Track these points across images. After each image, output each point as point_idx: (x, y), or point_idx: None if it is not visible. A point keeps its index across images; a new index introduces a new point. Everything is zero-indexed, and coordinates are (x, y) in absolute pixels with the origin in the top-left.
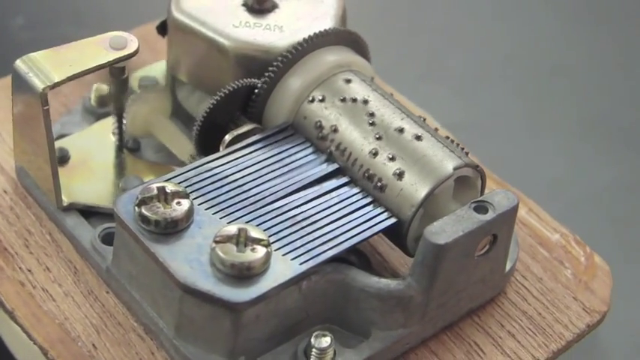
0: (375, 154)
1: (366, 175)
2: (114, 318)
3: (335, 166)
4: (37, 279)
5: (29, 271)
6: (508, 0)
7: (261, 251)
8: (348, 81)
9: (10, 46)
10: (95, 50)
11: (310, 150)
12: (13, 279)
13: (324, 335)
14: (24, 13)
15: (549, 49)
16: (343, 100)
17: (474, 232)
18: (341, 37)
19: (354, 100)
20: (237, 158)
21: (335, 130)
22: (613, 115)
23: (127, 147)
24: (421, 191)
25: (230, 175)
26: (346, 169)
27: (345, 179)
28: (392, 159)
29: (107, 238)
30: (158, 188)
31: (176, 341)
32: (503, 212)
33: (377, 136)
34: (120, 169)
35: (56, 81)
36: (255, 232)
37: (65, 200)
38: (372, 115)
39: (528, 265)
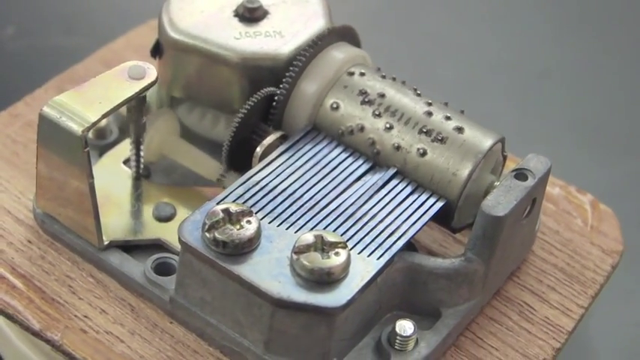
0: (430, 114)
1: (424, 130)
2: (187, 347)
3: (370, 163)
4: (97, 323)
5: (86, 317)
6: (498, 5)
7: (343, 254)
8: (378, 69)
9: (1, 56)
10: (117, 84)
11: (341, 148)
12: (73, 328)
13: (406, 322)
14: (14, 23)
15: (539, 55)
16: (383, 77)
17: (523, 199)
18: (343, 33)
19: (394, 79)
20: (277, 167)
21: (382, 96)
22: (604, 119)
23: (140, 174)
24: (486, 142)
25: (278, 185)
26: (396, 129)
27: (382, 172)
28: (448, 118)
29: (160, 269)
30: (223, 210)
31: (267, 357)
32: (542, 176)
33: (428, 102)
34: (143, 197)
35: (93, 121)
36: (330, 237)
37: (105, 239)
38: (415, 89)
39: (543, 220)
